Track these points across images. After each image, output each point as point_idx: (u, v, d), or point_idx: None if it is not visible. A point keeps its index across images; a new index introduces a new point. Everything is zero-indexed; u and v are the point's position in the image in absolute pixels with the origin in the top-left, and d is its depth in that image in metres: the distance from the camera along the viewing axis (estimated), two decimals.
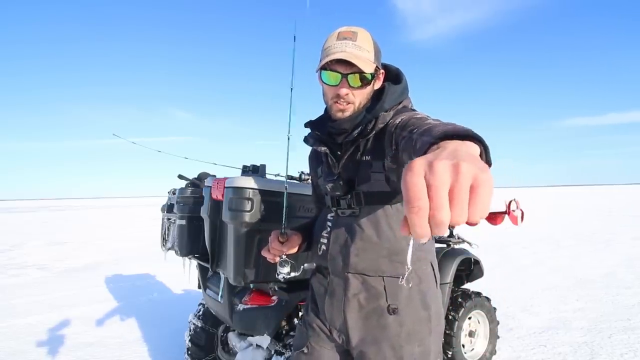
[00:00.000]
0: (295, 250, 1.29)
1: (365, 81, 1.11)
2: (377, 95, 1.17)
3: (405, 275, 0.89)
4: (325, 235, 1.25)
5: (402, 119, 1.04)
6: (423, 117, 0.98)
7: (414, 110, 1.18)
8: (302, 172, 2.22)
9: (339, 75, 1.10)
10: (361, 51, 1.09)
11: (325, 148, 1.21)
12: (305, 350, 1.29)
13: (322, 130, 1.23)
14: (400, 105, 1.18)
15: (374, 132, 1.13)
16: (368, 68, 1.09)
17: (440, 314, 1.26)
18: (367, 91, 1.15)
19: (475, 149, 0.64)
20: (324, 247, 1.25)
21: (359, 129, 1.14)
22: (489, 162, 0.72)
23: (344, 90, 1.11)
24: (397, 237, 1.13)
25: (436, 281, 1.24)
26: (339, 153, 1.21)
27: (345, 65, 1.08)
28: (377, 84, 1.18)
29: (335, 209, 1.23)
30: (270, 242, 1.26)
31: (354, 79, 1.10)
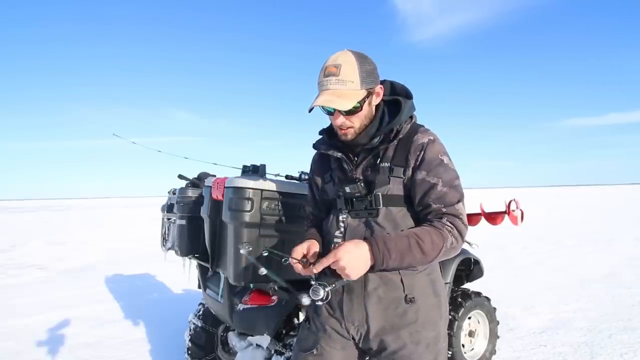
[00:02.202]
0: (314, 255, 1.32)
1: (355, 109, 1.24)
2: (392, 107, 1.32)
3: (420, 267, 1.23)
4: (339, 235, 1.32)
5: (427, 160, 1.23)
6: (435, 186, 1.22)
7: (424, 127, 1.34)
8: (302, 172, 2.21)
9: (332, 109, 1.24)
10: (345, 85, 1.20)
11: (341, 154, 1.32)
12: (315, 352, 1.34)
13: (337, 138, 1.34)
14: (413, 121, 1.34)
15: (394, 141, 1.28)
16: (350, 102, 1.21)
17: (446, 301, 1.37)
18: (364, 113, 1.27)
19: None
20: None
21: (379, 138, 1.28)
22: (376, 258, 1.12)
23: (339, 121, 1.26)
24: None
25: (441, 271, 1.38)
26: (356, 159, 1.32)
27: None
28: (376, 100, 1.29)
29: (347, 210, 1.31)
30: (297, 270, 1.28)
31: (353, 108, 1.24)
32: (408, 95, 1.35)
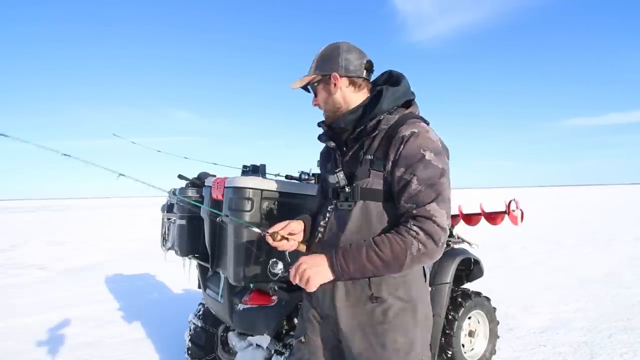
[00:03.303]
0: (298, 235, 1.38)
1: (315, 92, 1.38)
2: (377, 98, 1.29)
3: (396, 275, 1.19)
4: (322, 224, 1.35)
5: (405, 155, 1.18)
6: (410, 185, 1.17)
7: (419, 118, 1.28)
8: (301, 172, 2.22)
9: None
10: (308, 70, 1.37)
11: (334, 144, 1.36)
12: (303, 340, 1.39)
13: (331, 129, 1.38)
14: (408, 111, 1.30)
15: (377, 132, 1.26)
16: (299, 83, 1.36)
17: (427, 308, 1.31)
18: (322, 97, 1.36)
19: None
20: (320, 235, 1.35)
21: (360, 128, 1.27)
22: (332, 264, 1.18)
23: (312, 102, 1.42)
24: (384, 232, 1.21)
25: (425, 277, 1.31)
26: (344, 149, 1.34)
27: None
28: (335, 87, 1.33)
29: (335, 201, 1.33)
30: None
31: (312, 91, 1.40)
32: (396, 84, 1.31)
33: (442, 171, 1.18)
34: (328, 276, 1.18)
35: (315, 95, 1.39)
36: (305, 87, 1.41)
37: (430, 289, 1.33)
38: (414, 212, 1.15)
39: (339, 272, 1.17)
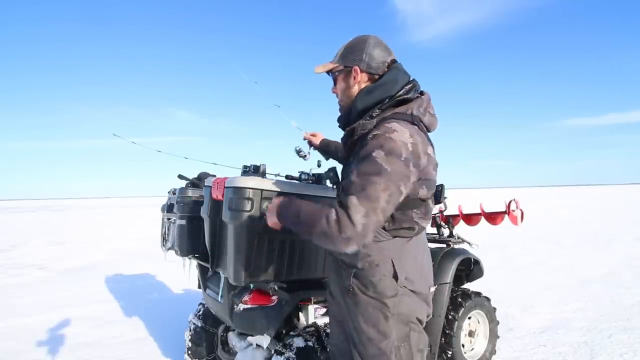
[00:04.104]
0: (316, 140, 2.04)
1: (335, 79, 1.45)
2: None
3: (359, 266, 1.34)
4: None
5: (361, 153, 1.24)
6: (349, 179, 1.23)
7: (400, 119, 1.29)
8: (301, 172, 2.21)
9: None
10: (331, 60, 1.44)
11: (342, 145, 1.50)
12: (332, 315, 1.58)
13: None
14: (395, 110, 1.32)
15: (356, 136, 1.33)
16: (322, 68, 1.43)
17: (400, 305, 1.35)
18: (340, 87, 1.43)
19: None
20: None
21: (347, 131, 1.38)
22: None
23: (332, 90, 1.49)
24: None
25: (396, 279, 1.33)
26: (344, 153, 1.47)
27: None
28: (353, 80, 1.38)
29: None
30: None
31: (332, 78, 1.47)
32: (378, 85, 1.34)
33: (380, 169, 1.16)
34: (273, 216, 1.37)
35: (335, 84, 1.45)
36: (328, 73, 1.47)
37: (406, 287, 1.35)
38: (339, 198, 1.21)
39: (278, 212, 1.35)
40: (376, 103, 1.33)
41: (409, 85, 1.35)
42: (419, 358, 1.39)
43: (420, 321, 1.41)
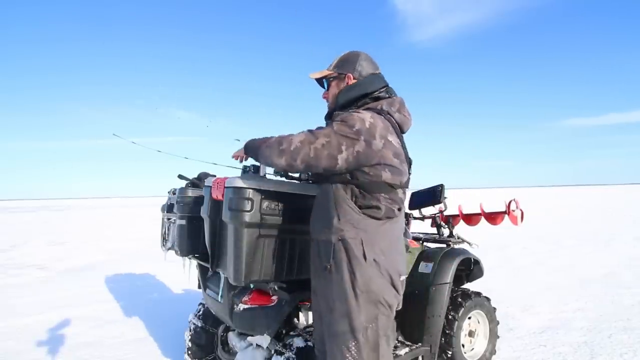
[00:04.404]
0: None
1: (328, 86, 1.70)
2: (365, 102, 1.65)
3: (333, 241, 1.49)
4: None
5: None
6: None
7: (371, 109, 1.57)
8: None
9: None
10: (328, 67, 1.69)
11: None
12: (314, 311, 1.69)
13: None
14: (368, 105, 1.59)
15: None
16: (318, 75, 1.69)
17: (369, 283, 1.47)
18: (332, 91, 1.68)
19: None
20: None
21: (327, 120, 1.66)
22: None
23: (323, 94, 1.75)
24: (331, 210, 1.51)
25: (364, 256, 1.47)
26: None
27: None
28: (344, 85, 1.66)
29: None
30: None
31: (325, 84, 1.73)
32: (357, 84, 1.62)
33: (330, 126, 1.47)
34: (243, 147, 1.63)
35: (327, 89, 1.70)
36: (320, 81, 1.73)
37: (374, 268, 1.48)
38: None
39: (246, 146, 1.60)
40: (355, 99, 1.61)
41: (383, 88, 1.63)
42: (384, 342, 1.49)
43: (389, 306, 1.52)
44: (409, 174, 1.64)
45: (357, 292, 1.45)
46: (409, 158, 1.64)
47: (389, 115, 1.55)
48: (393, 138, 1.51)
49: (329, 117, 1.65)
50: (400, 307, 1.61)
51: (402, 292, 1.58)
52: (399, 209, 1.57)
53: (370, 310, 1.47)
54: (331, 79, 1.67)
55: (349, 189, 1.51)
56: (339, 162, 1.43)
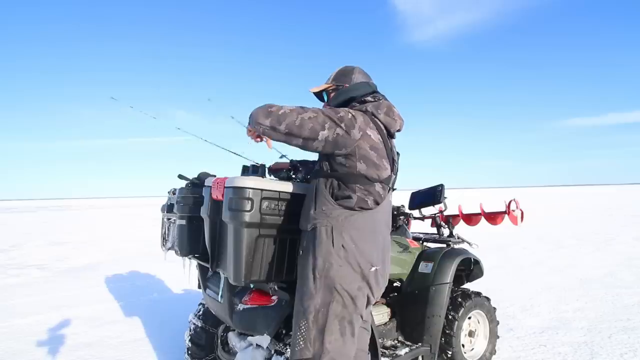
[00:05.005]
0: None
1: (327, 96, 1.88)
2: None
3: (308, 229, 1.64)
4: None
5: None
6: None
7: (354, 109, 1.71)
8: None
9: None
10: (326, 81, 1.88)
11: None
12: None
13: None
14: (349, 106, 1.73)
15: None
16: (318, 89, 1.88)
17: (328, 270, 1.56)
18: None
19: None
20: None
21: None
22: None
23: (323, 107, 1.81)
24: (311, 202, 1.65)
25: (333, 243, 1.57)
26: None
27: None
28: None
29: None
30: None
31: (324, 96, 1.89)
32: (347, 90, 1.80)
33: (320, 109, 1.60)
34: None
35: (327, 101, 1.86)
36: (319, 95, 1.91)
37: (340, 257, 1.57)
38: None
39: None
40: (344, 102, 1.76)
41: (371, 94, 1.77)
42: (336, 329, 1.55)
43: (350, 296, 1.57)
44: (394, 174, 1.74)
45: (315, 276, 1.56)
46: (394, 159, 1.75)
47: (373, 116, 1.68)
48: (372, 133, 1.63)
49: None
50: (375, 299, 1.68)
51: (375, 283, 1.64)
52: (376, 203, 1.65)
53: (325, 295, 1.56)
54: (330, 91, 1.86)
55: (329, 182, 1.64)
56: (319, 137, 1.53)
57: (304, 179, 2.09)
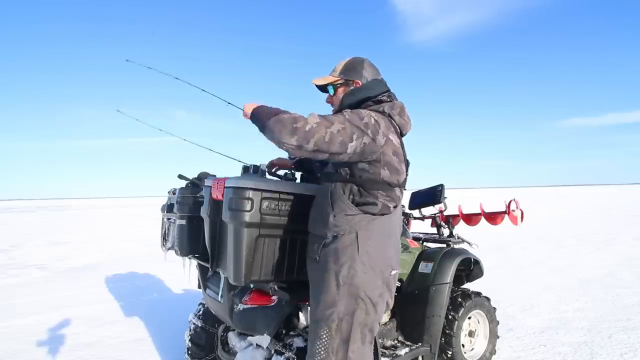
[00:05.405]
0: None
1: (333, 90, 1.74)
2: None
3: (328, 236, 1.56)
4: None
5: None
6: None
7: (372, 111, 1.60)
8: (301, 174, 2.21)
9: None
10: (332, 72, 1.75)
11: None
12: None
13: None
14: (363, 106, 1.64)
15: None
16: (324, 81, 1.73)
17: (352, 278, 1.51)
18: (340, 96, 1.73)
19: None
20: None
21: None
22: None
23: (326, 99, 1.80)
24: (327, 207, 1.57)
25: (358, 250, 1.52)
26: None
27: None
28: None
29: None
30: None
31: (330, 90, 1.76)
32: (361, 88, 1.70)
33: (345, 113, 1.50)
34: (250, 111, 1.52)
35: (334, 94, 1.75)
36: (322, 87, 1.77)
37: (364, 264, 1.52)
38: None
39: (253, 112, 1.50)
40: (358, 102, 1.66)
41: (385, 93, 1.70)
42: (358, 338, 1.51)
43: (372, 303, 1.53)
44: (407, 174, 1.69)
45: (339, 283, 1.50)
46: (407, 160, 1.70)
47: (389, 117, 1.61)
48: (394, 137, 1.57)
49: None
50: (391, 305, 1.65)
51: (394, 287, 1.62)
52: (395, 206, 1.63)
53: (349, 303, 1.50)
54: (338, 85, 1.73)
55: (348, 187, 1.57)
56: (348, 150, 1.44)
57: (308, 179, 2.08)
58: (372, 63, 1.75)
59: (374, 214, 1.55)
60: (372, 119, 1.50)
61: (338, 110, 1.68)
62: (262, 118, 1.45)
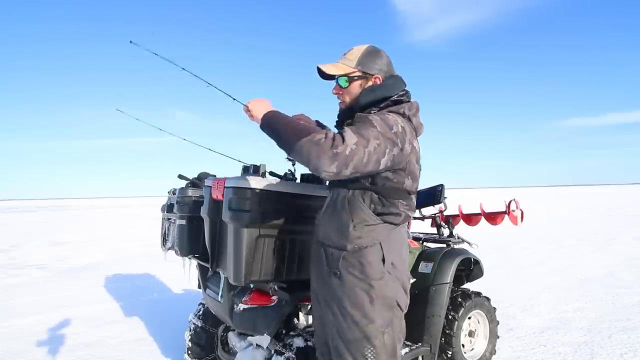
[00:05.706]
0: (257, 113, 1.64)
1: (347, 83, 1.53)
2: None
3: (348, 248, 1.42)
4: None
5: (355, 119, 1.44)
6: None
7: (394, 112, 1.47)
8: (301, 173, 2.21)
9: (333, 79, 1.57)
10: (344, 61, 1.53)
11: None
12: (315, 315, 1.62)
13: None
14: (390, 108, 1.49)
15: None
16: (337, 71, 1.52)
17: (385, 289, 1.44)
18: (355, 91, 1.54)
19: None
20: (319, 216, 1.59)
21: (349, 122, 1.49)
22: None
23: (334, 90, 1.58)
24: (346, 216, 1.45)
25: (384, 261, 1.44)
26: None
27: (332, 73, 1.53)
28: (368, 85, 1.54)
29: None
30: None
31: (341, 81, 1.54)
32: (381, 86, 1.53)
33: (375, 125, 1.33)
34: (260, 114, 1.39)
35: (347, 87, 1.53)
36: (327, 75, 1.55)
37: (390, 273, 1.45)
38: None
39: (266, 118, 1.37)
40: (377, 101, 1.50)
41: (403, 92, 1.55)
42: (399, 346, 1.48)
43: (400, 308, 1.50)
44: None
45: (372, 297, 1.41)
46: (420, 164, 1.61)
47: (409, 120, 1.49)
48: (416, 143, 1.49)
49: (345, 116, 1.56)
50: (407, 308, 1.60)
51: (409, 294, 1.59)
52: (413, 212, 1.57)
53: (385, 315, 1.44)
54: (355, 78, 1.52)
55: (368, 195, 1.45)
56: (380, 167, 1.34)
57: (308, 179, 2.07)
58: (389, 57, 1.59)
59: (396, 225, 1.48)
60: (400, 127, 1.38)
61: (349, 107, 1.56)
62: (286, 134, 1.31)
